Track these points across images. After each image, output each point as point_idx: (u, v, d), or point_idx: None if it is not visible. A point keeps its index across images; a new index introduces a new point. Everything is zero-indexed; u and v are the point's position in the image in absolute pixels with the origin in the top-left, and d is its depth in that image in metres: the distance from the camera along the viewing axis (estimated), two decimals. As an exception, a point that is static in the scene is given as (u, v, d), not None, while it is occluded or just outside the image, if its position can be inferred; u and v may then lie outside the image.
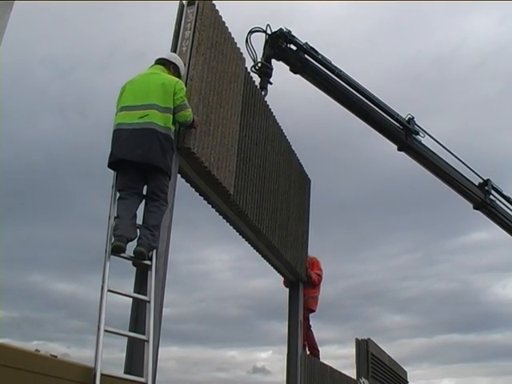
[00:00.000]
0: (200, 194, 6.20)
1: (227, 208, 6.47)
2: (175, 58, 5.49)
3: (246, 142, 6.64)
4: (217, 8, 6.13)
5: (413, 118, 9.89)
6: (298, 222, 8.65)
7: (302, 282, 8.84)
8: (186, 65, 5.56)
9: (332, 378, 9.83)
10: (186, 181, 5.88)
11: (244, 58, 6.84)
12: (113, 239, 4.50)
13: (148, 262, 4.66)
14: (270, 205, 7.33)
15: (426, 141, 10.18)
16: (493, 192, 11.58)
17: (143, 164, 4.80)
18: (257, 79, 7.60)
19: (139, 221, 4.82)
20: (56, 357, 3.65)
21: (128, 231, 4.57)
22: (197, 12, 5.83)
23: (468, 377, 35.49)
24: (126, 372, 4.38)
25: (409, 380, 16.81)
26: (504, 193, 11.85)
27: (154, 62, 5.45)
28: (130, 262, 4.65)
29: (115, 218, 4.67)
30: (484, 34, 26.34)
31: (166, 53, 5.55)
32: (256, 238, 7.27)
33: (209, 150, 5.64)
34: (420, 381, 34.25)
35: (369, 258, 30.68)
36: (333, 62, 8.60)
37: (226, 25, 6.35)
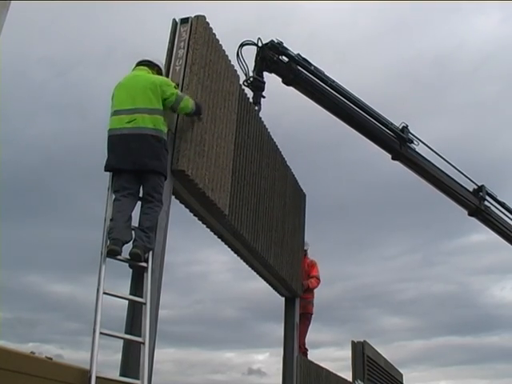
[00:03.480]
0: (194, 215, 6.12)
1: (222, 228, 6.40)
2: (159, 61, 5.51)
3: (241, 161, 6.57)
4: (210, 26, 6.01)
5: (407, 126, 9.83)
6: (293, 238, 8.59)
7: (297, 297, 8.80)
8: (180, 84, 5.49)
9: (328, 381, 9.86)
10: (180, 202, 5.80)
11: (238, 76, 6.76)
12: (108, 242, 4.50)
13: (144, 264, 4.65)
14: (266, 223, 7.27)
15: (420, 148, 10.18)
16: (487, 198, 11.57)
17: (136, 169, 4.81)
18: (250, 93, 7.53)
19: (135, 222, 4.80)
20: (51, 359, 3.64)
21: (123, 234, 4.57)
22: (190, 30, 5.78)
23: (465, 379, 35.65)
24: (121, 374, 4.36)
25: (405, 382, 16.86)
26: (499, 198, 11.84)
27: (136, 64, 5.42)
28: (126, 263, 4.66)
29: (110, 220, 4.64)
30: (484, 35, 26.36)
31: (147, 55, 5.51)
32: (251, 257, 7.21)
33: (203, 171, 5.57)
34: (417, 383, 34.36)
35: (367, 260, 30.71)
36: (326, 73, 8.54)
37: (220, 42, 6.24)
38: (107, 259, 4.44)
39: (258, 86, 7.64)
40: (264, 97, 7.69)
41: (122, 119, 4.92)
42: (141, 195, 4.94)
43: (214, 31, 6.08)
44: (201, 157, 5.55)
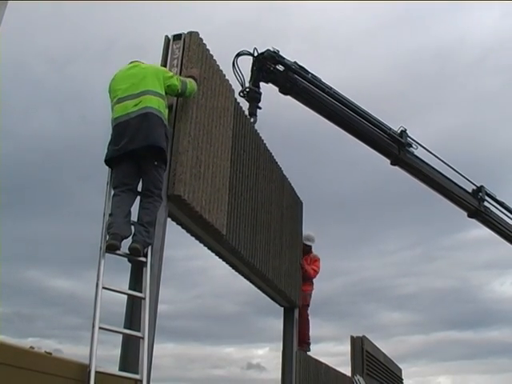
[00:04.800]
0: (191, 235, 6.06)
1: (220, 247, 6.35)
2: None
3: (238, 177, 6.50)
4: (204, 41, 5.91)
5: (405, 130, 9.75)
6: (292, 248, 8.54)
7: (296, 307, 8.78)
8: (174, 105, 5.41)
9: (327, 376, 9.88)
10: (177, 223, 5.73)
11: (233, 90, 6.65)
12: (107, 237, 4.52)
13: (143, 259, 4.67)
14: (263, 237, 7.21)
15: (418, 151, 10.08)
16: (487, 198, 11.49)
17: (146, 148, 4.78)
18: (245, 104, 7.44)
19: (134, 217, 4.79)
20: (51, 354, 3.66)
21: (122, 229, 4.58)
22: (183, 48, 5.68)
23: (465, 374, 35.66)
24: (120, 369, 4.39)
25: (404, 377, 17.01)
26: (498, 198, 11.77)
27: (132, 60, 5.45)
28: (125, 258, 4.69)
29: (109, 215, 4.67)
30: (486, 29, 26.09)
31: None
32: (249, 272, 7.16)
33: (200, 193, 5.49)
34: (416, 378, 34.41)
35: (366, 255, 30.65)
36: (323, 80, 8.44)
37: (214, 57, 6.13)
38: (106, 254, 4.46)
39: (254, 97, 7.55)
40: (260, 108, 7.60)
41: (127, 105, 4.92)
42: (140, 190, 4.94)
43: (207, 47, 5.96)
44: (197, 179, 5.47)
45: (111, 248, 4.49)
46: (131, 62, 5.38)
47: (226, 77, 6.48)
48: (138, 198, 4.92)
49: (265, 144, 7.59)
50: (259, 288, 7.89)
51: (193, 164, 5.41)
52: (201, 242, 6.24)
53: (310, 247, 9.68)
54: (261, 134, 7.46)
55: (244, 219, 6.59)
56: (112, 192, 4.83)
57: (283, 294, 8.18)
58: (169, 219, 5.36)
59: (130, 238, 4.64)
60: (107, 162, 4.96)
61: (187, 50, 5.67)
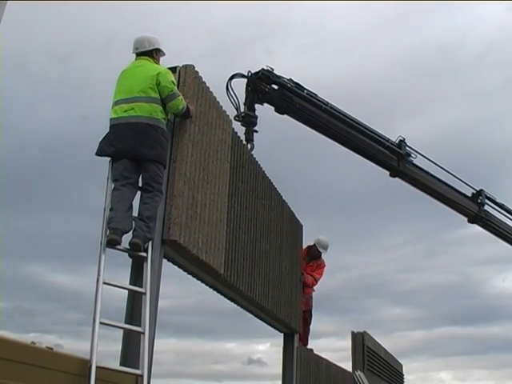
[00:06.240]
0: (188, 273, 5.92)
1: (219, 283, 6.21)
2: (152, 42, 5.39)
3: (236, 210, 6.32)
4: (200, 74, 5.71)
5: (404, 139, 9.53)
6: (291, 275, 8.37)
7: (296, 333, 8.63)
8: (169, 143, 5.22)
9: (327, 371, 9.89)
10: (173, 264, 5.58)
11: (230, 120, 6.44)
12: (107, 232, 4.52)
13: (144, 254, 4.66)
14: (263, 268, 7.04)
15: (417, 160, 9.90)
16: (487, 201, 11.33)
17: (132, 157, 4.83)
18: (240, 127, 7.23)
19: (135, 212, 4.78)
20: (52, 349, 3.68)
21: (123, 223, 4.58)
22: (178, 82, 5.48)
23: (466, 369, 35.77)
24: (121, 364, 4.41)
25: (405, 373, 17.09)
26: (498, 201, 11.61)
27: (135, 55, 5.38)
28: (126, 253, 4.69)
29: (110, 210, 4.65)
30: (490, 23, 25.63)
31: (141, 41, 5.38)
32: (249, 304, 7.04)
33: (196, 235, 5.32)
34: (417, 373, 34.56)
35: (368, 250, 30.34)
36: (319, 96, 8.22)
37: (211, 89, 5.93)
38: (107, 249, 4.46)
39: (250, 121, 7.30)
40: (257, 131, 7.37)
41: (121, 108, 4.95)
42: (140, 185, 4.93)
43: (203, 79, 5.77)
44: (193, 220, 5.30)
45: (112, 243, 4.48)
46: (138, 59, 5.32)
47: (224, 108, 6.29)
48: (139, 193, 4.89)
49: (263, 171, 7.41)
50: (258, 317, 7.78)
51: (188, 205, 5.25)
52: (198, 279, 6.11)
53: (320, 253, 9.57)
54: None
55: (243, 253, 6.43)
56: (112, 186, 4.81)
57: (283, 322, 8.06)
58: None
59: (131, 232, 4.63)
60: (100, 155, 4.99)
61: (182, 84, 5.50)
